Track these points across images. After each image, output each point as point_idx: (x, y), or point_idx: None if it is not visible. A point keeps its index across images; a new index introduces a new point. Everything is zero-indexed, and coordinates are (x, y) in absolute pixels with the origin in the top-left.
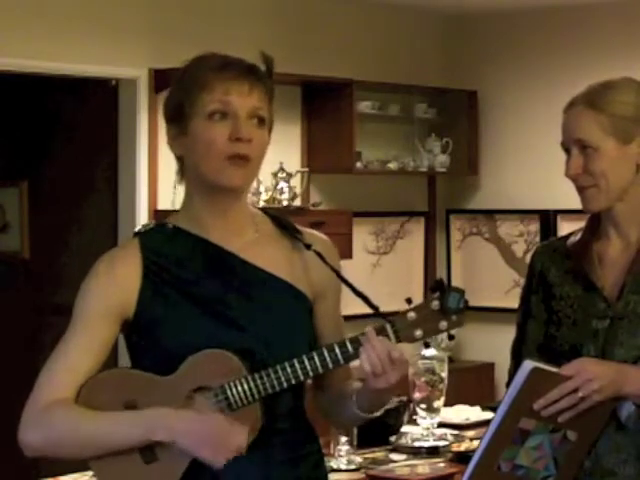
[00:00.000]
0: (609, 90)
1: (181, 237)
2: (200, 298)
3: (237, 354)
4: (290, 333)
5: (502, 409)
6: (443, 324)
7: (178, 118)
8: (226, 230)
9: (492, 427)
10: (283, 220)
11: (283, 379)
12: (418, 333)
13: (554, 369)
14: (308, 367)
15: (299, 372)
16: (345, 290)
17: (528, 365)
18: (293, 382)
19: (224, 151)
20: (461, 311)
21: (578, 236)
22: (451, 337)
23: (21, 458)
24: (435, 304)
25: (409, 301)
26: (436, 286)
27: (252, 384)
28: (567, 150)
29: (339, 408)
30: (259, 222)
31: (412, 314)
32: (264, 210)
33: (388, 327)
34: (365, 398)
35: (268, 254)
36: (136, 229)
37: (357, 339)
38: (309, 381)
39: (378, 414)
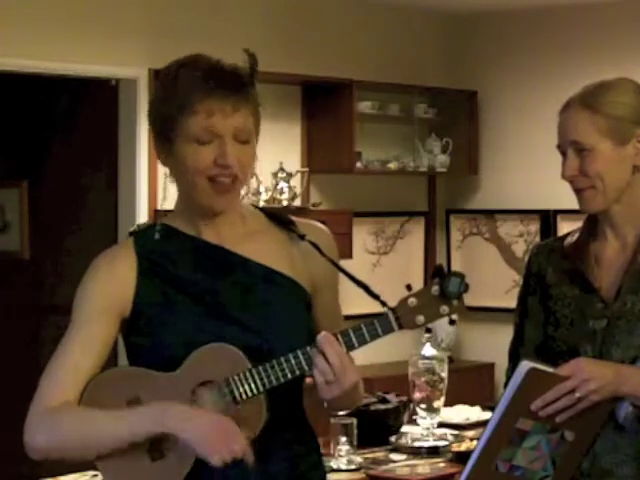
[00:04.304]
0: (604, 91)
1: (176, 236)
2: (198, 295)
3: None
4: (289, 328)
5: (499, 410)
6: (444, 309)
7: (161, 135)
8: (220, 228)
9: (489, 428)
10: (275, 213)
11: (287, 371)
12: (420, 319)
13: (551, 370)
14: (312, 357)
15: (303, 363)
16: (347, 290)
17: (525, 366)
18: (297, 373)
19: (207, 173)
20: (462, 295)
21: (575, 237)
22: (452, 322)
23: (22, 457)
24: (435, 289)
25: (409, 288)
26: (436, 271)
27: (257, 377)
28: (563, 153)
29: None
30: (252, 218)
31: (413, 300)
32: (256, 207)
33: (390, 314)
34: (335, 404)
35: (265, 248)
36: (131, 229)
37: (360, 327)
38: (308, 380)
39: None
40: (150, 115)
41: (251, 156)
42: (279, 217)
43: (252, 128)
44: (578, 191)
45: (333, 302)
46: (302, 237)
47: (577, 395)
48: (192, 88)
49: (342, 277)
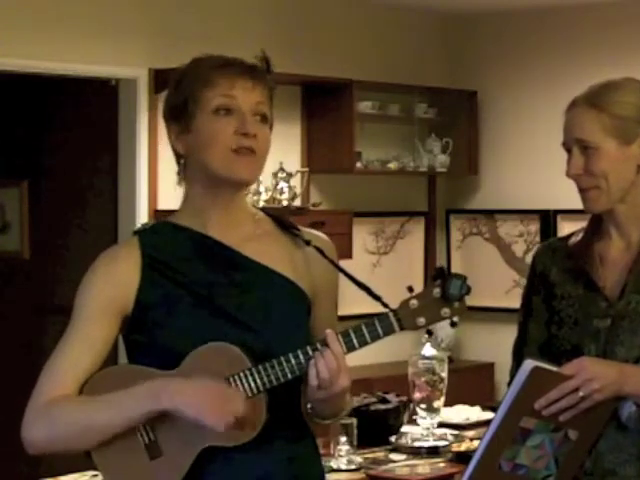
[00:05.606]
0: (610, 90)
1: (181, 234)
2: (200, 294)
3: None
4: (290, 329)
5: (503, 408)
6: (445, 311)
7: (181, 116)
8: (227, 226)
9: (493, 426)
10: (282, 218)
11: (287, 370)
12: (421, 321)
13: (555, 368)
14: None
15: (303, 363)
16: (347, 289)
17: (529, 364)
18: (297, 373)
19: (229, 144)
20: (463, 297)
21: (579, 236)
22: (453, 324)
23: (22, 457)
24: (437, 291)
25: (411, 289)
26: (437, 273)
27: (257, 376)
28: (568, 150)
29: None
30: (259, 220)
31: (414, 302)
32: (263, 209)
33: (391, 316)
34: (320, 408)
35: (269, 250)
36: (135, 228)
37: (360, 327)
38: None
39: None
40: (167, 98)
41: (268, 136)
42: (285, 222)
43: (269, 110)
44: (582, 191)
45: (330, 311)
46: (307, 242)
47: (580, 394)
48: (213, 65)
49: (342, 279)
